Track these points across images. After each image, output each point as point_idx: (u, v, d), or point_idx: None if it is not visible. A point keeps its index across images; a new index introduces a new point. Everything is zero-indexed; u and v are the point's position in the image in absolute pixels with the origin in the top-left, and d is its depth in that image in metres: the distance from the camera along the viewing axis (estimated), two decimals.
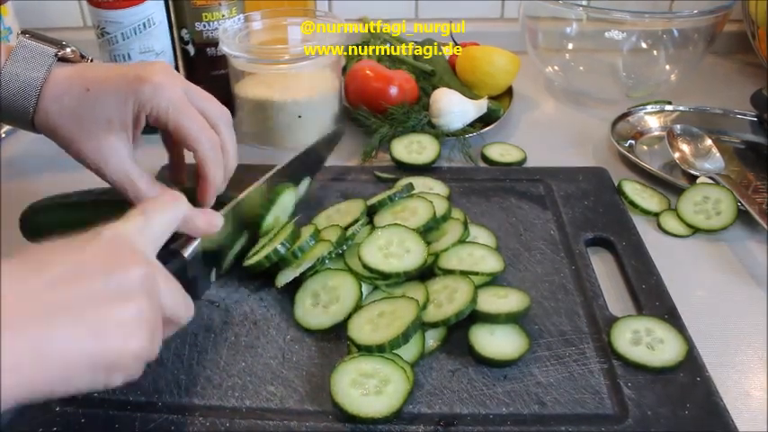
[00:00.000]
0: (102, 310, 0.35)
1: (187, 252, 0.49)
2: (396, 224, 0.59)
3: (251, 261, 0.57)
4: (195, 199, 0.55)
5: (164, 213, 0.44)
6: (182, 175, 0.62)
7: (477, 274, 0.55)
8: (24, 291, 0.34)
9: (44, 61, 0.53)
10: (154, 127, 0.55)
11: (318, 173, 0.75)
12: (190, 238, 0.50)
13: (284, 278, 0.56)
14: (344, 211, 0.65)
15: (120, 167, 0.53)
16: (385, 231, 0.58)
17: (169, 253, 0.47)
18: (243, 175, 0.61)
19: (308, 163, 0.69)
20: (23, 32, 0.54)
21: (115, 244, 0.39)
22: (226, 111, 0.57)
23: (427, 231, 0.61)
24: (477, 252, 0.58)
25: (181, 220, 0.46)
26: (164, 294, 0.40)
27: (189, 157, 0.57)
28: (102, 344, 0.35)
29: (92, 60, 0.58)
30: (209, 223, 0.50)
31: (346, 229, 0.59)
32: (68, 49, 0.55)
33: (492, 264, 0.57)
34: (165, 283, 0.41)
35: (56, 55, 0.53)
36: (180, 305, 0.43)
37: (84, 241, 0.38)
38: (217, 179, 0.55)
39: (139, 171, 0.54)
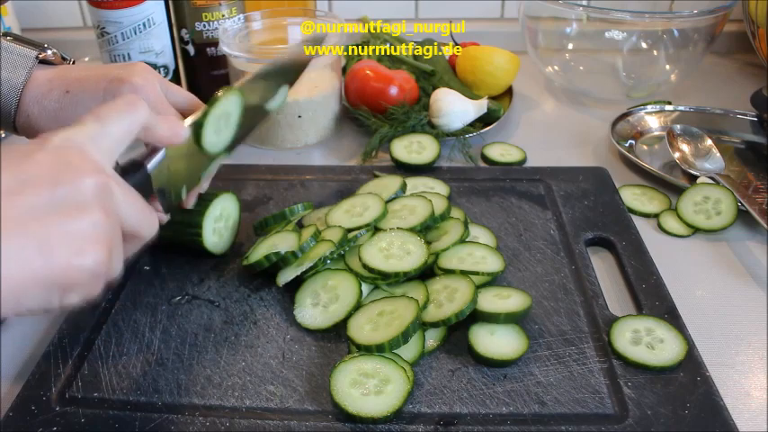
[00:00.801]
0: (50, 224, 0.33)
1: (150, 163, 0.45)
2: (398, 228, 0.59)
3: (250, 260, 0.57)
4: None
5: (120, 119, 0.40)
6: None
7: (477, 273, 0.55)
8: None
9: (25, 63, 0.53)
10: None
11: (318, 172, 0.75)
12: (154, 149, 0.46)
13: (285, 277, 0.56)
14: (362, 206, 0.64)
15: None
16: (387, 234, 0.58)
17: (130, 164, 0.43)
18: (244, 174, 0.61)
19: (285, 72, 0.64)
20: (5, 35, 0.54)
21: (65, 151, 0.36)
22: (202, 106, 0.57)
23: (427, 230, 0.61)
24: (478, 252, 0.58)
25: (140, 126, 0.42)
26: (122, 207, 0.37)
27: None
28: (51, 260, 0.33)
29: (73, 62, 0.58)
30: (173, 132, 0.45)
31: (350, 230, 0.59)
32: (49, 52, 0.55)
33: (492, 264, 0.57)
34: (123, 194, 0.38)
35: (37, 57, 0.54)
36: (141, 219, 0.40)
37: (29, 149, 0.35)
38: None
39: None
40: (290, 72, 0.64)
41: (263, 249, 0.58)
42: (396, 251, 0.57)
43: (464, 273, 0.55)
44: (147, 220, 0.40)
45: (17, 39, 0.55)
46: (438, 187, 0.70)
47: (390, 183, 0.67)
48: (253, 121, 0.58)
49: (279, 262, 0.57)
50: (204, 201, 0.59)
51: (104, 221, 0.35)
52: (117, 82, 0.52)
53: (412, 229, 0.59)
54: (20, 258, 0.32)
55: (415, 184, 0.70)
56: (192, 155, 0.51)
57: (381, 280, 0.55)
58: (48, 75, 0.54)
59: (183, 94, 0.57)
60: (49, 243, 0.33)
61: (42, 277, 0.32)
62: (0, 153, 0.34)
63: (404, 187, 0.66)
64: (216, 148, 0.53)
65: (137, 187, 0.40)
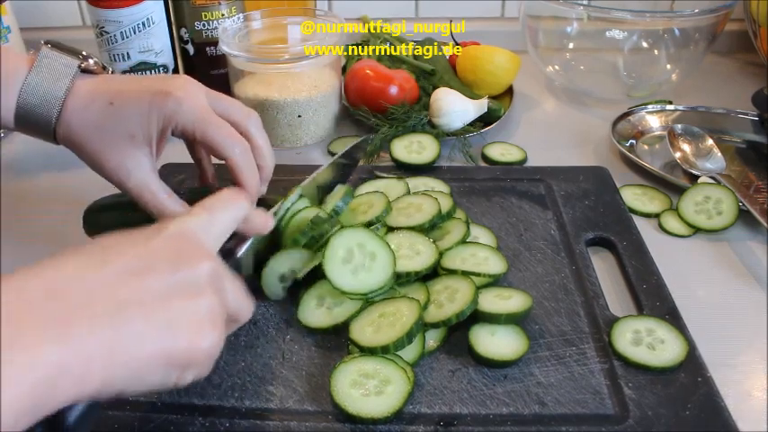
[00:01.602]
0: (174, 305, 0.34)
1: (240, 252, 0.49)
2: (406, 228, 0.59)
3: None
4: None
5: (227, 211, 0.43)
6: (208, 179, 0.62)
7: (479, 275, 0.55)
8: (92, 284, 0.32)
9: (67, 73, 0.52)
10: None
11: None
12: (242, 239, 0.50)
13: (303, 270, 0.56)
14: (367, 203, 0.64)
15: (142, 181, 0.53)
16: (395, 235, 0.58)
17: (224, 252, 0.47)
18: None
19: (343, 169, 0.70)
20: (46, 43, 0.54)
21: (181, 239, 0.38)
22: (253, 113, 0.57)
23: (430, 230, 0.60)
24: (481, 253, 0.58)
25: (242, 219, 0.45)
26: (228, 291, 0.39)
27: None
28: (175, 340, 0.34)
29: (112, 72, 0.57)
30: (265, 223, 0.50)
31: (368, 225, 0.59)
32: (91, 61, 0.55)
33: (495, 265, 0.57)
34: (230, 280, 0.40)
35: (79, 67, 0.53)
36: (243, 303, 0.42)
37: (148, 235, 0.37)
38: (252, 184, 0.54)
39: (161, 185, 0.54)
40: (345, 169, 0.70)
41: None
42: (405, 251, 0.56)
43: (465, 273, 0.54)
44: (246, 304, 0.42)
45: (57, 47, 0.54)
46: (438, 187, 0.70)
47: (393, 186, 0.67)
48: None
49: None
50: None
51: (218, 304, 0.37)
52: (161, 96, 0.52)
53: (420, 227, 0.59)
54: (148, 337, 0.33)
55: (416, 184, 0.70)
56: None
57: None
58: (89, 85, 0.53)
59: (229, 103, 0.56)
60: (174, 323, 0.34)
61: (166, 356, 0.34)
62: (123, 237, 0.36)
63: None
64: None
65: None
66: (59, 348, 0.29)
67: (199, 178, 0.62)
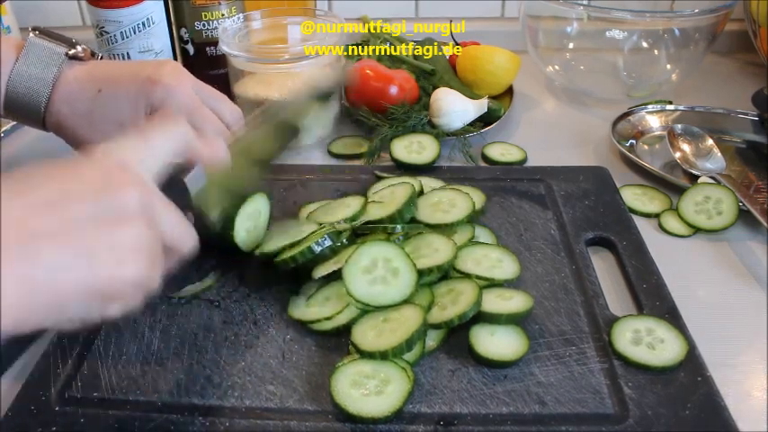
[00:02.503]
0: (94, 234, 0.33)
1: (189, 180, 0.46)
2: (419, 233, 0.58)
3: (285, 256, 0.56)
4: None
5: (164, 135, 0.41)
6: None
7: (492, 280, 0.55)
8: (6, 215, 0.31)
9: (55, 60, 0.52)
10: None
11: (318, 172, 0.75)
12: (191, 168, 0.47)
13: (321, 271, 0.55)
14: (344, 204, 0.64)
15: None
16: (411, 240, 0.58)
17: (170, 181, 0.44)
18: None
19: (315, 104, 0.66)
20: (33, 29, 0.54)
21: (109, 165, 0.36)
22: (237, 109, 0.57)
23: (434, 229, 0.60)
24: (493, 254, 0.58)
25: (182, 144, 0.43)
26: (162, 220, 0.38)
27: None
28: (94, 270, 0.33)
29: (101, 57, 0.57)
30: (214, 153, 0.46)
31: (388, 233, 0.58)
32: (79, 48, 0.54)
33: (509, 267, 0.56)
34: (164, 208, 0.38)
35: (66, 54, 0.53)
36: (181, 233, 0.40)
37: (73, 162, 0.36)
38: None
39: None
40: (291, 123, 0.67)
41: (297, 246, 0.57)
42: (424, 251, 0.56)
43: (481, 279, 0.54)
44: (186, 234, 0.41)
45: (45, 33, 0.53)
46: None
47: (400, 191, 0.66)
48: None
49: (313, 259, 0.56)
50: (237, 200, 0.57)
51: (146, 233, 0.36)
52: (149, 83, 0.52)
53: (459, 222, 0.60)
54: (64, 268, 0.32)
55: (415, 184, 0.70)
56: (231, 179, 0.52)
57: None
58: (77, 73, 0.53)
59: (215, 95, 0.56)
60: (93, 253, 0.33)
61: (85, 287, 0.33)
62: (44, 166, 0.35)
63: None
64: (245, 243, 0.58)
65: (176, 203, 0.40)
66: None
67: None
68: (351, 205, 0.62)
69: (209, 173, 0.47)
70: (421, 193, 0.66)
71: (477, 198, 0.64)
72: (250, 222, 0.59)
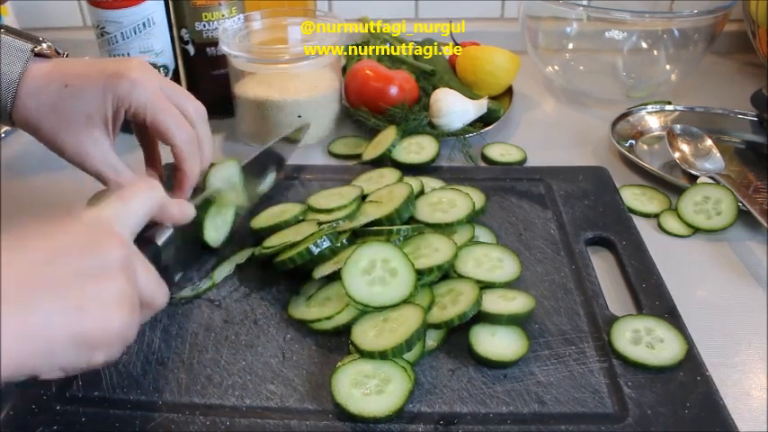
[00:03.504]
0: (85, 288, 0.36)
1: (161, 240, 0.49)
2: (420, 233, 0.59)
3: (284, 256, 0.56)
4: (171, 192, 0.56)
5: (141, 199, 0.45)
6: (158, 170, 0.63)
7: (494, 284, 0.55)
8: (7, 270, 0.34)
9: (20, 56, 0.53)
10: (128, 128, 0.56)
11: (318, 172, 0.75)
12: (162, 228, 0.50)
13: (322, 271, 0.56)
14: (341, 195, 0.65)
15: (102, 160, 0.54)
16: (410, 241, 0.58)
17: (143, 240, 0.48)
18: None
19: (273, 159, 0.72)
20: (0, 28, 0.54)
21: (95, 226, 0.40)
22: (202, 107, 0.59)
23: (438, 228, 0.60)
24: (493, 254, 0.58)
25: (157, 207, 0.47)
26: (141, 277, 0.41)
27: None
28: (86, 320, 0.35)
29: (67, 55, 0.58)
30: (183, 212, 0.51)
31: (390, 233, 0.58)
32: (44, 45, 0.56)
33: (510, 267, 0.57)
34: (142, 266, 0.42)
35: (32, 50, 0.54)
36: (156, 290, 0.43)
37: (63, 224, 0.39)
38: (194, 172, 0.57)
39: (121, 163, 0.55)
40: (276, 157, 0.73)
41: (296, 247, 0.57)
42: (424, 251, 0.56)
43: (480, 282, 0.54)
44: (160, 291, 0.44)
45: (12, 31, 0.55)
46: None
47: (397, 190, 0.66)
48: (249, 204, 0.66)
49: (314, 259, 0.56)
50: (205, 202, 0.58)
51: (128, 288, 0.39)
52: (116, 77, 0.53)
53: (459, 222, 0.60)
54: (53, 317, 0.34)
55: (415, 184, 0.70)
56: (194, 240, 0.57)
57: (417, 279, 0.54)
58: (44, 68, 0.54)
59: (180, 92, 0.57)
60: (85, 305, 0.36)
61: (77, 336, 0.35)
62: (37, 225, 0.38)
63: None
64: (216, 241, 0.60)
65: (148, 259, 0.43)
66: None
67: (146, 163, 0.63)
68: (345, 195, 0.63)
69: (176, 228, 0.51)
70: (421, 192, 0.66)
71: (477, 198, 0.64)
72: (219, 218, 0.60)
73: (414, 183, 0.66)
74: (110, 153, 0.55)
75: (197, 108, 0.58)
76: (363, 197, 0.65)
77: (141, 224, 0.45)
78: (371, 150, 0.78)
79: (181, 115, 0.55)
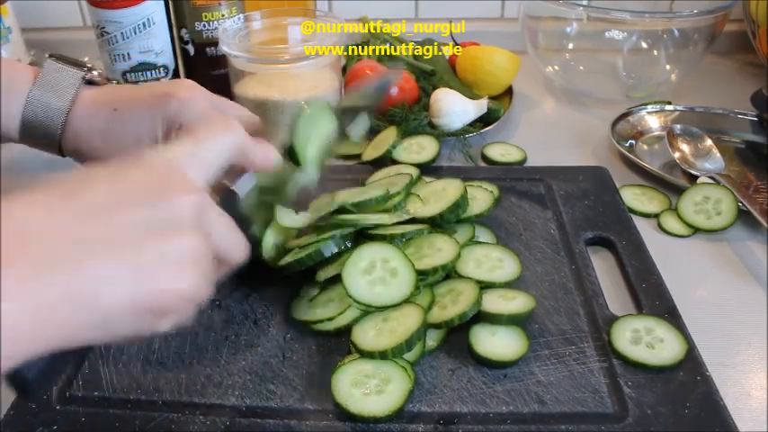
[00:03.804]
0: (146, 245, 0.31)
1: (242, 191, 0.44)
2: (422, 232, 0.58)
3: (288, 259, 0.56)
4: None
5: (218, 139, 0.39)
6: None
7: (494, 284, 0.55)
8: (53, 222, 0.30)
9: (72, 84, 0.52)
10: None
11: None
12: (242, 174, 0.45)
13: (326, 273, 0.55)
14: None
15: None
16: (413, 241, 0.58)
17: (220, 187, 0.42)
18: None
19: (366, 103, 0.65)
20: (50, 56, 0.54)
21: (162, 170, 0.34)
22: (255, 118, 0.57)
23: (438, 227, 0.60)
24: (494, 253, 0.58)
25: (236, 149, 0.40)
26: (215, 229, 0.36)
27: None
28: (146, 284, 0.31)
29: (117, 83, 0.58)
30: (266, 157, 0.44)
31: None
32: (95, 72, 0.55)
33: (510, 266, 0.57)
34: (217, 216, 0.36)
35: (83, 78, 0.53)
36: (233, 243, 0.38)
37: (126, 166, 0.34)
38: (269, 159, 0.52)
39: None
40: (370, 100, 0.65)
41: (302, 250, 0.56)
42: (426, 251, 0.57)
43: (481, 283, 0.54)
44: (238, 245, 0.39)
45: (62, 59, 0.54)
46: None
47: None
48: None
49: (319, 262, 0.55)
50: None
51: (199, 243, 0.34)
52: (164, 98, 0.51)
53: (448, 210, 0.59)
54: (113, 283, 0.30)
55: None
56: (277, 188, 0.51)
57: (420, 280, 0.54)
58: (93, 95, 0.53)
59: (231, 106, 0.56)
60: (145, 266, 0.31)
61: (136, 302, 0.31)
62: (94, 168, 0.33)
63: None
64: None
65: (226, 210, 0.38)
66: (12, 298, 0.27)
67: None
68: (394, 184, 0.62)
69: (259, 177, 0.46)
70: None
71: (493, 194, 0.64)
72: (279, 237, 0.57)
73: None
74: None
75: (250, 120, 0.56)
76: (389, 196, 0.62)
77: (218, 167, 0.39)
78: (372, 150, 0.78)
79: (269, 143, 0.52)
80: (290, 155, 0.52)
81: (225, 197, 0.42)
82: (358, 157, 0.80)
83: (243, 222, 0.41)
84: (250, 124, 0.56)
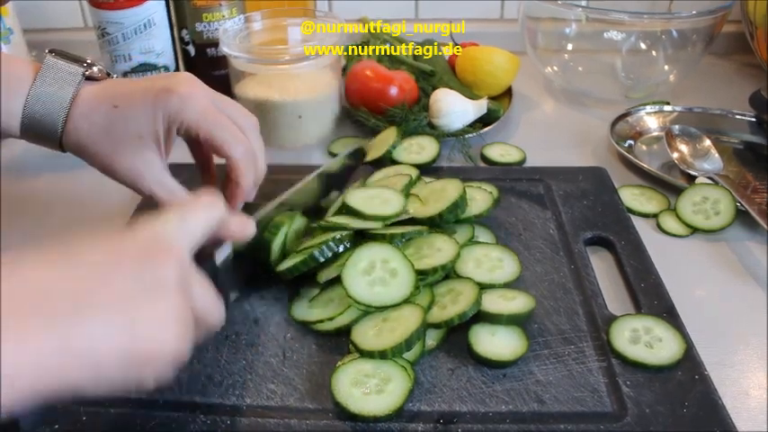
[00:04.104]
0: (136, 305, 0.34)
1: (219, 258, 0.48)
2: (421, 232, 0.58)
3: (282, 267, 0.56)
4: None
5: (201, 214, 0.42)
6: (215, 184, 0.61)
7: (493, 286, 0.55)
8: (53, 280, 0.33)
9: (72, 80, 0.53)
10: None
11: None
12: (219, 245, 0.48)
13: (327, 275, 0.56)
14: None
15: (156, 180, 0.53)
16: (413, 241, 0.58)
17: (201, 257, 0.45)
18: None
19: (335, 177, 0.69)
20: (50, 51, 0.54)
21: (151, 240, 0.37)
22: (253, 117, 0.57)
23: (438, 228, 0.60)
24: (493, 253, 0.58)
25: (216, 223, 0.44)
26: (196, 295, 0.39)
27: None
28: (135, 339, 0.33)
29: (117, 78, 0.58)
30: (243, 228, 0.48)
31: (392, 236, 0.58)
32: (95, 68, 0.55)
33: (510, 267, 0.57)
34: (199, 284, 0.40)
35: (83, 74, 0.53)
36: (211, 308, 0.41)
37: (118, 236, 0.37)
38: (249, 185, 0.55)
39: (175, 183, 0.54)
40: (339, 178, 0.70)
41: (299, 254, 0.57)
42: (426, 251, 0.57)
43: (480, 284, 0.54)
44: (215, 308, 0.42)
45: (62, 55, 0.54)
46: None
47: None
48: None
49: (317, 266, 0.56)
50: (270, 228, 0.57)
51: (183, 306, 0.36)
52: (164, 93, 0.52)
53: (448, 209, 0.59)
54: (106, 336, 0.32)
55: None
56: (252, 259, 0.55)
57: (420, 280, 0.54)
58: (93, 91, 0.53)
59: (230, 104, 0.56)
60: (135, 323, 0.34)
61: (125, 356, 0.33)
62: (90, 236, 0.36)
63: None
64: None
65: (206, 276, 0.42)
66: (14, 349, 0.29)
67: (202, 178, 0.62)
68: (390, 201, 0.61)
69: (235, 245, 0.49)
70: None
71: (492, 194, 0.65)
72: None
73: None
74: (163, 173, 0.53)
75: (249, 119, 0.56)
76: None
77: (200, 241, 0.42)
78: (372, 151, 0.78)
79: (235, 127, 0.54)
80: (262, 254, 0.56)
81: (203, 264, 0.45)
82: None
83: (219, 288, 0.45)
84: (249, 125, 0.56)
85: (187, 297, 0.37)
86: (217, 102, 0.54)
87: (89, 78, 0.54)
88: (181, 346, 0.36)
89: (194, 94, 0.52)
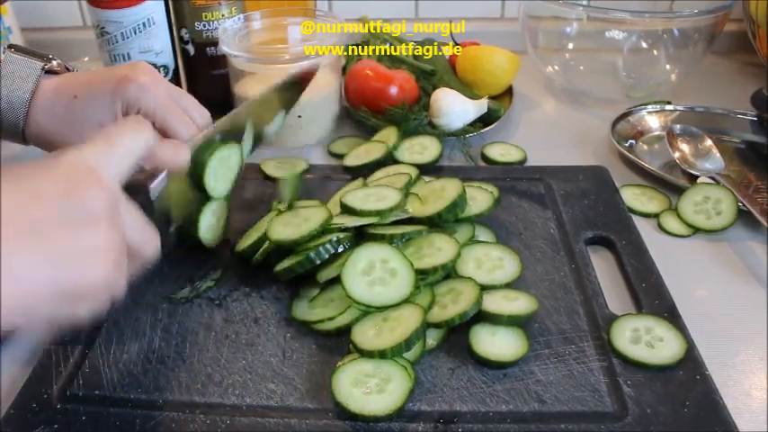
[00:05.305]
0: (61, 236, 0.34)
1: (152, 185, 0.46)
2: (421, 231, 0.58)
3: (284, 266, 0.56)
4: None
5: (128, 139, 0.41)
6: None
7: (494, 287, 0.55)
8: None
9: (31, 75, 0.54)
10: None
11: (318, 172, 0.75)
12: (154, 174, 0.47)
13: (326, 274, 0.56)
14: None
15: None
16: (412, 241, 0.58)
17: (135, 187, 0.44)
18: (244, 174, 0.61)
19: (282, 99, 0.69)
20: (10, 47, 0.55)
21: (75, 168, 0.37)
22: (206, 112, 0.59)
23: (438, 227, 0.60)
24: (494, 253, 0.58)
25: (145, 147, 0.43)
26: (127, 223, 0.38)
27: None
28: (62, 271, 0.33)
29: (76, 71, 0.59)
30: (176, 155, 0.47)
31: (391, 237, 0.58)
32: (54, 62, 0.56)
33: (511, 267, 0.57)
34: (128, 211, 0.39)
35: (43, 68, 0.54)
36: (144, 237, 0.40)
37: (41, 166, 0.36)
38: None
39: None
40: (286, 95, 0.69)
41: (298, 254, 0.56)
42: (426, 251, 0.56)
43: (480, 285, 0.53)
44: (149, 239, 0.41)
45: (21, 50, 0.55)
46: None
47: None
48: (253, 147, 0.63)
49: (317, 265, 0.56)
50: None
51: (111, 235, 0.36)
52: (124, 82, 0.53)
53: (448, 208, 0.59)
54: (31, 269, 0.32)
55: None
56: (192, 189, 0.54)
57: (420, 280, 0.54)
58: (53, 83, 0.55)
59: (185, 96, 0.57)
60: (61, 254, 0.33)
61: (55, 287, 0.33)
62: (12, 169, 0.35)
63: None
64: (218, 191, 0.57)
65: (140, 207, 0.41)
66: None
67: None
68: (387, 197, 0.61)
69: (171, 176, 0.48)
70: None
71: (493, 194, 0.64)
72: (213, 218, 0.60)
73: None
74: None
75: (202, 113, 0.58)
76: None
77: (128, 165, 0.41)
78: (350, 158, 0.78)
79: (187, 117, 0.55)
80: (200, 188, 0.55)
81: (137, 194, 0.44)
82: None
83: (157, 219, 0.44)
84: (203, 120, 0.57)
85: (117, 227, 0.37)
86: (173, 94, 0.56)
87: (49, 72, 0.55)
88: (113, 278, 0.36)
89: (152, 84, 0.54)
